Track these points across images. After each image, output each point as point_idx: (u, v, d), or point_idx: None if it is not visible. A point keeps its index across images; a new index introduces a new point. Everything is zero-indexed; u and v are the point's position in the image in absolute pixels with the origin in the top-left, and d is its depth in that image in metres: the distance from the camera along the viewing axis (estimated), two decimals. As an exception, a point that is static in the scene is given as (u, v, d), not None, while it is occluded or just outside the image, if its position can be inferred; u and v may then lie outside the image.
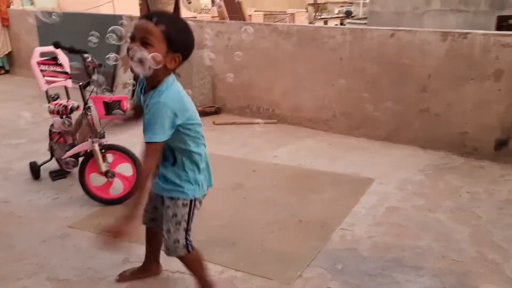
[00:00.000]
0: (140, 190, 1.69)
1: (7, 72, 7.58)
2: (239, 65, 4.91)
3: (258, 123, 4.70)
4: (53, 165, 3.37)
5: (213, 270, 2.19)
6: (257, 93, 5.01)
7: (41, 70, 3.22)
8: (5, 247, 2.46)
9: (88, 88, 2.99)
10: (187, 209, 1.82)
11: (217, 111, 5.16)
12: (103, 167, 2.84)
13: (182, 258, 1.91)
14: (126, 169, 2.95)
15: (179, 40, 1.65)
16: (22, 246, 2.47)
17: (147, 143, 1.64)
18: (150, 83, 1.70)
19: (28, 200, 3.03)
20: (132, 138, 3.41)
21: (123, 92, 5.57)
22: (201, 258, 1.95)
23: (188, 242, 1.85)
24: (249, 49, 4.87)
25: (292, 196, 3.10)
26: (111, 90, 5.75)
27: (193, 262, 1.94)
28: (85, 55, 2.93)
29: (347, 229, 2.67)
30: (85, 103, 2.94)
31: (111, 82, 5.80)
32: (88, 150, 2.90)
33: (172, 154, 1.77)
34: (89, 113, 2.90)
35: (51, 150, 3.37)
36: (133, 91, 5.54)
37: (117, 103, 2.82)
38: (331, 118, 4.51)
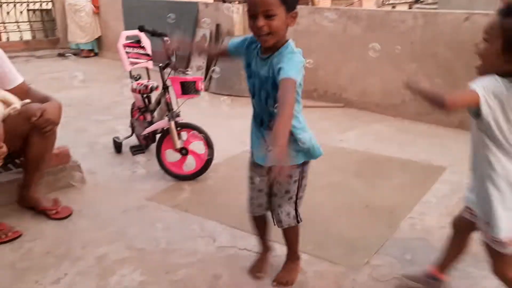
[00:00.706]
0: (287, 119, 1.45)
1: (96, 54, 7.91)
2: (306, 49, 4.66)
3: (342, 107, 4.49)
4: (134, 140, 3.43)
5: (279, 251, 2.10)
6: (324, 77, 4.81)
7: (126, 52, 3.28)
8: (90, 215, 2.52)
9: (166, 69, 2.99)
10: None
11: (285, 94, 5.03)
12: (178, 144, 2.84)
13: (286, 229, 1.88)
14: (198, 147, 2.92)
15: None
16: (105, 215, 2.52)
17: (290, 79, 1.49)
18: (271, 46, 1.60)
19: (111, 172, 3.10)
20: (205, 118, 3.40)
21: (196, 75, 5.60)
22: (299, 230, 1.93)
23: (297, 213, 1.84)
24: (316, 33, 4.67)
25: (359, 181, 2.92)
26: (185, 73, 5.82)
27: (295, 234, 1.92)
28: (165, 38, 2.92)
29: (417, 217, 2.46)
30: (164, 83, 2.94)
31: (186, 65, 5.86)
32: (165, 128, 2.90)
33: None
34: (167, 93, 2.90)
35: (132, 127, 3.44)
36: (206, 73, 5.55)
37: (193, 84, 2.82)
38: (400, 104, 4.22)
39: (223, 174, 3.03)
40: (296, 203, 1.82)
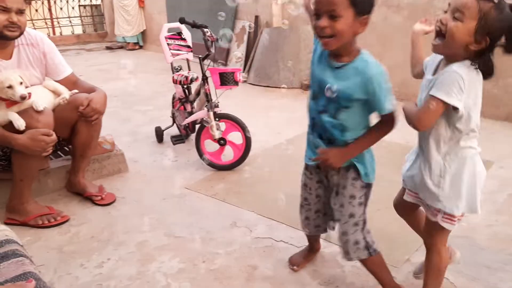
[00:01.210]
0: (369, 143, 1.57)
1: (141, 47, 8.04)
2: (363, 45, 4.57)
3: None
4: (175, 130, 3.43)
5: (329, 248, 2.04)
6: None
7: (168, 44, 3.27)
8: (132, 202, 2.54)
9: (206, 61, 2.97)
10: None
11: (323, 85, 4.91)
12: (217, 134, 2.80)
13: (362, 262, 1.68)
14: (236, 137, 2.88)
15: (365, 1, 1.37)
16: (146, 202, 2.53)
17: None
18: (339, 54, 1.46)
19: (152, 161, 3.12)
20: (243, 109, 3.36)
21: (235, 66, 5.57)
22: (383, 262, 1.69)
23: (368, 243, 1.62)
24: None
25: (399, 174, 2.76)
26: (225, 64, 5.80)
27: (374, 267, 1.69)
28: (205, 29, 2.89)
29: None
30: (203, 74, 2.91)
31: (225, 56, 5.83)
32: (204, 118, 2.88)
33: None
34: (206, 84, 2.88)
35: (173, 117, 3.44)
36: (245, 64, 5.50)
37: (231, 75, 2.77)
38: (444, 95, 4.01)
39: (261, 165, 2.98)
40: (363, 229, 1.62)
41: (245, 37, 5.63)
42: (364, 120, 1.55)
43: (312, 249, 1.96)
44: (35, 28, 8.08)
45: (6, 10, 2.08)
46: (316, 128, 1.58)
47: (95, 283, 1.84)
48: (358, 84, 1.42)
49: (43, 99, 2.23)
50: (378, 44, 4.43)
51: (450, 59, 1.37)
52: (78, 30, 9.09)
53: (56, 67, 2.44)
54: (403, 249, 2.01)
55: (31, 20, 8.29)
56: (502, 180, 2.64)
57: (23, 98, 2.06)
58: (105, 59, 6.99)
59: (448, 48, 1.36)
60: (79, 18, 9.09)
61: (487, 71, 1.38)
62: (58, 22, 8.81)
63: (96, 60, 6.88)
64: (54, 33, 8.75)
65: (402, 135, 3.40)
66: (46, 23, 8.61)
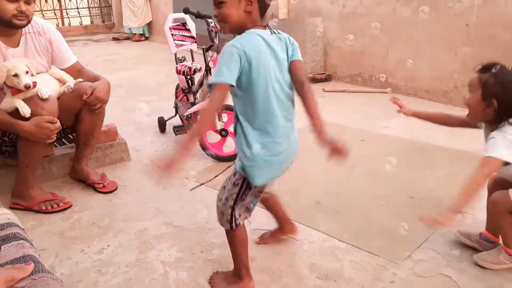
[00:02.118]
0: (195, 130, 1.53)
1: (146, 38, 8.06)
2: (352, 32, 4.52)
3: (387, 92, 4.30)
4: (177, 120, 3.43)
5: (315, 237, 2.03)
6: (369, 61, 4.60)
7: (172, 35, 3.27)
8: (133, 191, 2.55)
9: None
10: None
11: (327, 78, 4.88)
12: (218, 125, 2.80)
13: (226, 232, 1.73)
14: (238, 129, 2.88)
15: None
16: (146, 191, 2.54)
17: None
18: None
19: (154, 150, 3.13)
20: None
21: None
22: (244, 239, 1.71)
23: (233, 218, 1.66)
24: (363, 15, 4.44)
25: (404, 170, 2.71)
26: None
27: (233, 241, 1.72)
28: (209, 20, 2.88)
29: (467, 211, 2.20)
30: (206, 65, 2.90)
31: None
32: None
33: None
34: (209, 75, 2.87)
35: (176, 107, 3.44)
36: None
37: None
38: (452, 90, 3.95)
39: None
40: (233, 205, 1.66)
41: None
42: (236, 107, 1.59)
43: (280, 228, 2.02)
44: (44, 19, 8.13)
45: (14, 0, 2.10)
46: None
47: (95, 268, 1.86)
48: None
49: (48, 87, 2.25)
50: (385, 37, 4.39)
51: (485, 124, 1.77)
52: (86, 21, 9.12)
53: (61, 56, 2.46)
54: (405, 245, 1.98)
55: (41, 10, 8.33)
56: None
57: (27, 87, 2.08)
58: (111, 50, 7.02)
59: (473, 117, 1.76)
60: (87, 9, 9.11)
61: None
62: (67, 13, 8.85)
63: (103, 51, 6.91)
64: (63, 24, 8.81)
65: (409, 130, 3.39)
66: (55, 14, 8.65)
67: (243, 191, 1.63)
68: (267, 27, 1.52)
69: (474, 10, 3.69)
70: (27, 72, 2.10)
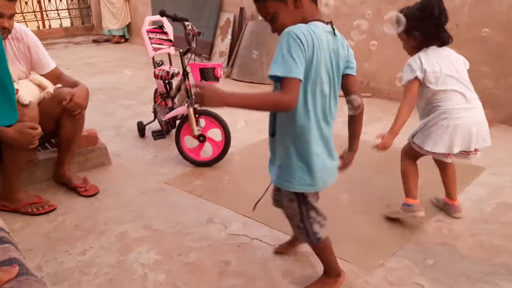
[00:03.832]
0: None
1: (126, 40, 8.04)
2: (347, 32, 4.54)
3: (367, 96, 4.39)
4: (156, 125, 3.53)
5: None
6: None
7: (150, 38, 3.30)
8: (114, 195, 2.65)
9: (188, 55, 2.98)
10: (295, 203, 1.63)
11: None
12: (196, 131, 2.89)
13: (310, 245, 1.76)
14: (216, 134, 2.98)
15: None
16: (126, 195, 2.64)
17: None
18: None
19: (134, 155, 3.22)
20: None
21: (219, 60, 5.61)
22: (328, 250, 1.75)
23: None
24: (346, 16, 4.29)
25: (381, 177, 2.72)
26: (209, 58, 5.82)
27: (318, 253, 1.77)
28: (186, 23, 2.91)
29: (445, 221, 2.26)
30: (184, 69, 2.96)
31: (209, 50, 5.84)
32: (184, 114, 2.96)
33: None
34: (186, 79, 2.94)
35: (155, 112, 3.52)
36: (229, 59, 5.52)
37: (212, 70, 2.82)
38: (438, 94, 4.04)
39: (239, 162, 3.08)
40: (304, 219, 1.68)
41: (230, 30, 5.63)
42: (284, 115, 1.50)
43: (295, 237, 2.00)
44: (25, 21, 8.04)
45: (0, 16, 2.15)
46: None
47: (78, 268, 1.97)
48: None
49: (28, 93, 2.31)
50: (368, 38, 4.34)
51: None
52: (66, 23, 9.06)
53: (40, 61, 2.51)
54: (378, 253, 1.99)
55: (22, 13, 8.24)
56: (493, 188, 2.59)
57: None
58: (91, 53, 7.02)
59: (411, 55, 2.14)
60: (67, 10, 9.05)
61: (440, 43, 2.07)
62: (47, 15, 8.76)
63: (83, 54, 6.91)
64: (44, 26, 8.70)
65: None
66: (35, 16, 8.56)
67: (302, 203, 1.61)
68: (329, 24, 1.47)
69: (465, 9, 3.60)
70: None
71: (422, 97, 2.09)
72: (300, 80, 1.34)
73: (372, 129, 3.58)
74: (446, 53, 2.06)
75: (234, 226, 2.30)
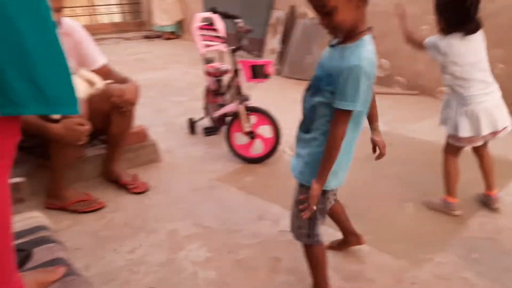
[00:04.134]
0: (330, 158, 1.42)
1: (177, 37, 8.17)
2: (382, 32, 4.46)
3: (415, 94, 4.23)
4: (207, 122, 3.53)
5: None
6: (399, 62, 4.52)
7: (201, 35, 3.29)
8: (164, 192, 2.66)
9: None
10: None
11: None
12: (246, 127, 2.87)
13: (304, 247, 1.68)
14: (266, 131, 2.94)
15: None
16: (177, 192, 2.64)
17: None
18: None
19: (184, 152, 3.24)
20: (276, 102, 3.38)
21: (270, 58, 5.57)
22: (323, 257, 1.67)
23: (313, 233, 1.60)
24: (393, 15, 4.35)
25: (428, 173, 2.73)
26: (260, 56, 5.81)
27: (312, 257, 1.67)
28: (237, 20, 2.91)
29: (489, 216, 2.29)
30: (234, 66, 2.96)
31: (260, 48, 5.84)
32: (235, 111, 2.94)
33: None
34: (237, 76, 2.93)
35: (206, 109, 3.53)
36: (280, 56, 5.49)
37: (262, 67, 2.80)
38: (484, 91, 3.87)
39: (290, 158, 3.02)
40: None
41: (280, 28, 5.63)
42: (326, 117, 1.45)
43: (346, 240, 1.99)
44: (76, 16, 8.35)
45: None
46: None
47: (127, 267, 1.97)
48: (335, 71, 1.36)
49: (78, 88, 2.33)
50: (380, 25, 4.26)
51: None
52: (117, 18, 9.34)
53: (90, 57, 2.49)
54: (426, 248, 2.03)
55: (72, 7, 8.57)
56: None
57: None
58: (142, 49, 7.19)
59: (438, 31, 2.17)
60: (118, 6, 9.32)
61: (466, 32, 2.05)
62: (98, 10, 9.06)
63: (134, 50, 7.08)
64: (94, 21, 8.98)
65: (436, 134, 3.33)
66: (86, 11, 8.85)
67: (321, 202, 1.54)
68: (370, 30, 1.38)
69: (506, 10, 3.61)
70: None
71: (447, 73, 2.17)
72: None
73: (420, 127, 3.54)
74: (471, 42, 2.07)
75: (285, 222, 2.24)
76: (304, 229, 1.59)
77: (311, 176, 1.47)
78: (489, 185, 2.35)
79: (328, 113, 1.42)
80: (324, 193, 1.52)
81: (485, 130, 2.11)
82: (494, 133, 2.17)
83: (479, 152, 2.33)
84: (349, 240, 1.99)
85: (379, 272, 1.89)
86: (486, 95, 2.11)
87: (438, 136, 3.27)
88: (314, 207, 1.46)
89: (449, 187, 2.28)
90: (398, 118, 3.71)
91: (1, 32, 0.78)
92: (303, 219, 1.52)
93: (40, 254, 1.29)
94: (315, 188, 1.43)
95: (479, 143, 2.25)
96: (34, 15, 0.82)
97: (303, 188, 1.54)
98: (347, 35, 1.36)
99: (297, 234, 1.64)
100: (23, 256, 1.26)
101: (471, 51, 2.07)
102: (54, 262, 1.26)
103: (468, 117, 2.12)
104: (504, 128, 2.16)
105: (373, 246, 2.05)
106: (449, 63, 2.09)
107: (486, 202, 2.36)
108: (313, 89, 1.47)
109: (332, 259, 1.96)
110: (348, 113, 1.37)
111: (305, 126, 1.53)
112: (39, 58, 0.83)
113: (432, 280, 1.84)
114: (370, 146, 1.71)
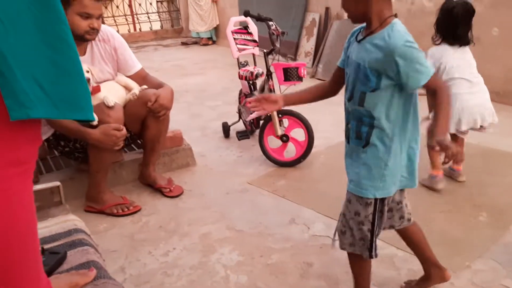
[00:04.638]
0: (448, 107, 1.39)
1: (214, 42, 8.28)
2: (418, 32, 4.32)
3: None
4: (241, 126, 3.55)
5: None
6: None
7: (234, 39, 3.33)
8: (198, 195, 2.70)
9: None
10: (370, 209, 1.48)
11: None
12: (279, 131, 2.87)
13: (353, 258, 1.60)
14: (299, 134, 2.93)
15: None
16: (210, 196, 2.68)
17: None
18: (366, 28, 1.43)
19: (218, 156, 3.27)
20: (308, 105, 3.32)
21: (305, 61, 5.55)
22: (370, 270, 1.62)
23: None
24: (431, 13, 4.23)
25: (468, 176, 2.63)
26: (294, 59, 5.79)
27: (360, 269, 1.62)
28: (270, 22, 2.92)
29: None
30: (268, 69, 2.97)
31: (294, 51, 5.83)
32: (268, 114, 2.94)
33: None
34: (270, 79, 2.93)
35: (239, 113, 3.56)
36: (314, 58, 5.46)
37: (295, 70, 2.80)
38: (527, 92, 3.69)
39: (323, 162, 3.00)
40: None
41: (315, 30, 5.60)
42: (402, 110, 1.40)
43: (427, 275, 1.72)
44: (116, 24, 8.66)
45: (89, 16, 2.24)
46: (349, 122, 1.50)
47: (161, 270, 2.02)
48: (381, 59, 1.33)
49: (114, 94, 2.40)
50: (416, 24, 4.14)
51: None
52: (157, 26, 9.59)
53: (126, 63, 2.57)
54: (464, 255, 1.96)
55: (113, 16, 8.88)
56: None
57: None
58: (180, 55, 7.34)
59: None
60: (157, 14, 9.57)
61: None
62: (138, 18, 9.33)
63: (171, 56, 7.25)
64: (135, 29, 9.24)
65: (475, 135, 3.19)
66: (126, 19, 9.14)
67: (378, 209, 1.48)
68: (396, 16, 1.39)
69: None
70: (87, 71, 2.25)
71: None
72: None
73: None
74: (461, 53, 2.42)
75: (317, 227, 2.26)
76: (366, 241, 1.50)
77: (369, 184, 1.43)
78: (456, 162, 2.58)
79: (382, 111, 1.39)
80: (383, 200, 1.47)
81: (464, 126, 2.41)
82: (478, 129, 2.48)
83: (453, 138, 2.58)
84: (432, 275, 1.70)
85: (414, 278, 1.82)
86: (470, 94, 2.37)
87: (476, 138, 3.14)
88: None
89: (432, 160, 2.51)
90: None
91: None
92: (369, 231, 1.48)
93: (74, 257, 1.33)
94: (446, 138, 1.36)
95: (464, 136, 2.57)
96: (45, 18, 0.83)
97: (359, 197, 1.47)
98: (375, 23, 1.36)
99: (362, 248, 1.53)
100: (58, 258, 1.31)
101: (460, 57, 2.41)
102: (87, 265, 1.29)
103: (464, 111, 2.38)
104: (483, 127, 2.44)
105: (408, 252, 1.96)
106: (440, 65, 2.39)
107: (452, 175, 2.62)
108: (354, 94, 1.44)
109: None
110: (432, 78, 1.34)
111: (365, 140, 1.45)
112: (48, 62, 0.85)
113: (470, 288, 1.76)
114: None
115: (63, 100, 0.87)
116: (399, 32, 1.32)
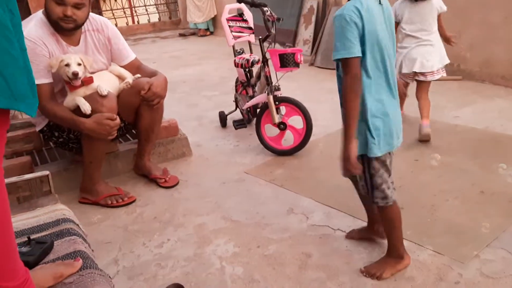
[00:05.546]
0: (346, 112, 1.58)
1: (211, 33, 8.17)
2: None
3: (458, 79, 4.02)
4: (238, 115, 3.45)
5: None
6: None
7: (230, 26, 3.23)
8: (193, 185, 2.61)
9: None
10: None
11: (396, 66, 4.64)
12: (276, 118, 2.77)
13: (380, 210, 1.70)
14: (297, 121, 2.83)
15: None
16: (206, 186, 2.59)
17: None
18: None
19: (215, 145, 3.18)
20: (307, 92, 3.26)
21: (303, 49, 5.43)
22: (398, 217, 1.69)
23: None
24: None
25: (474, 162, 2.54)
26: (292, 47, 5.69)
27: (386, 217, 1.70)
28: (265, 8, 2.81)
29: None
30: (263, 56, 2.86)
31: (293, 39, 5.72)
32: (264, 102, 2.85)
33: None
34: (266, 66, 2.83)
35: (236, 101, 3.46)
36: (312, 46, 5.35)
37: (292, 56, 2.68)
38: (533, 74, 3.60)
39: (322, 150, 2.91)
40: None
41: (313, 18, 5.48)
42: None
43: (369, 228, 1.93)
44: (115, 18, 8.55)
45: (62, 3, 2.16)
46: None
47: (155, 262, 1.93)
48: None
49: (108, 83, 2.33)
50: (455, 19, 4.05)
51: None
52: (155, 18, 9.48)
53: (120, 52, 2.52)
54: (472, 243, 1.86)
55: (111, 10, 8.79)
56: None
57: (74, 74, 2.16)
58: (177, 46, 7.23)
59: None
60: (155, 6, 9.47)
61: None
62: (136, 11, 9.24)
63: (169, 47, 7.14)
64: (133, 22, 9.15)
65: (482, 120, 3.12)
66: (124, 12, 9.05)
67: (370, 167, 1.63)
68: None
69: None
70: (79, 64, 2.19)
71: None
72: (360, 57, 1.48)
73: (464, 113, 3.31)
74: (419, 8, 2.78)
75: (316, 216, 2.17)
76: (379, 192, 1.64)
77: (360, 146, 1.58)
78: (422, 117, 2.84)
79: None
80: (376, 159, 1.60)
81: (404, 70, 2.84)
82: (422, 74, 2.84)
83: (417, 95, 2.95)
84: (372, 228, 1.91)
85: (419, 269, 1.74)
86: (417, 47, 2.80)
87: (483, 123, 3.06)
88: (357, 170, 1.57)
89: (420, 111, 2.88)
90: (439, 105, 3.48)
91: None
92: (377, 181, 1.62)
93: (61, 247, 1.28)
94: (345, 150, 1.55)
95: (421, 78, 2.88)
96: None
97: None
98: None
99: (373, 198, 1.67)
100: (44, 248, 1.24)
101: (416, 12, 2.77)
102: (74, 255, 1.23)
103: (406, 59, 2.83)
104: (432, 72, 2.82)
105: (413, 241, 1.90)
106: (401, 18, 2.80)
107: (419, 130, 2.80)
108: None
109: (368, 255, 1.85)
110: (344, 62, 1.48)
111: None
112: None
113: (478, 279, 1.67)
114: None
115: (19, 93, 0.85)
116: (345, 6, 1.49)
